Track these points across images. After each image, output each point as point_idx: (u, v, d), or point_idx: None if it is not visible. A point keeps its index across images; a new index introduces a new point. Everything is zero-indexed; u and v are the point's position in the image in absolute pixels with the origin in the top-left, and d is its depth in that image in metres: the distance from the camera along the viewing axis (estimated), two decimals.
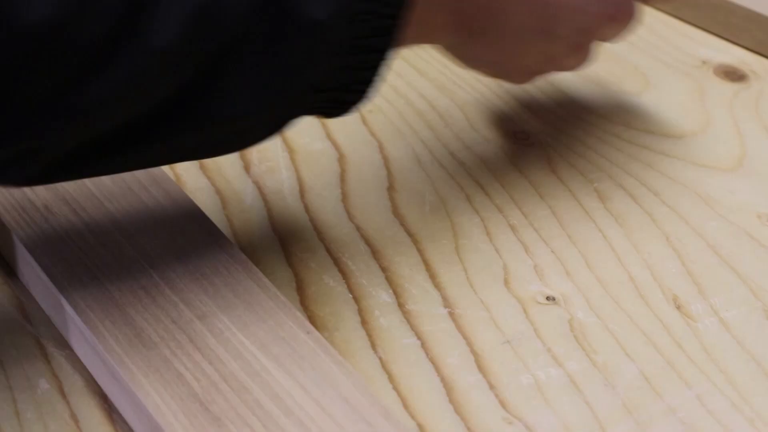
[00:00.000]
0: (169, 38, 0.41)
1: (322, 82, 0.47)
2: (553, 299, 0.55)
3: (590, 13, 0.56)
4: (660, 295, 0.55)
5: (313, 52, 0.45)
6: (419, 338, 0.52)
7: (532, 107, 0.68)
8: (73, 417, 0.48)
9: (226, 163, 0.63)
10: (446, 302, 0.54)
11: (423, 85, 0.71)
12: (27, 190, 0.55)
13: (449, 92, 0.69)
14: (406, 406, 0.49)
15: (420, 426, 0.48)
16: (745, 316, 0.54)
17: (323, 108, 0.49)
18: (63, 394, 0.49)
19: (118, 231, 0.53)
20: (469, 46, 0.55)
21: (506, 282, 0.56)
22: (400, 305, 0.54)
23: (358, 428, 0.45)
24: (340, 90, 0.48)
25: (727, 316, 0.54)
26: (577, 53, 0.58)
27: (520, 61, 0.57)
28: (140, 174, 0.56)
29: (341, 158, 0.64)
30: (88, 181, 0.55)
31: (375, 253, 0.57)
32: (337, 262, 0.56)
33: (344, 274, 0.55)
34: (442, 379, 0.50)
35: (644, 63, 0.72)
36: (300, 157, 0.63)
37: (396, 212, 0.59)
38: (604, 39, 0.59)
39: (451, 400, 0.50)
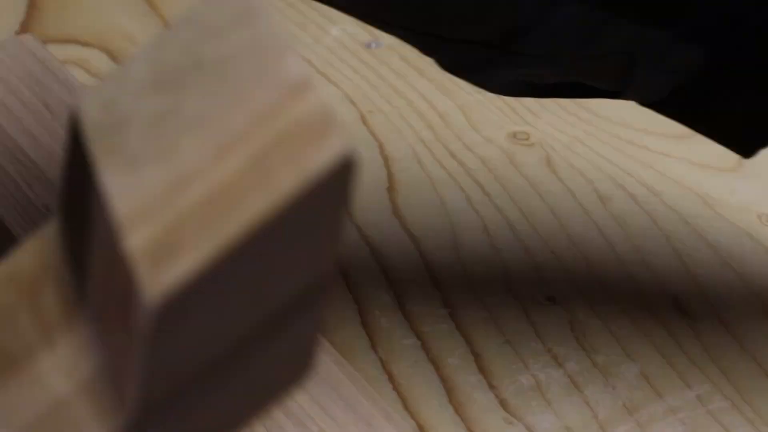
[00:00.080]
0: None
1: None
2: (553, 299, 0.55)
3: None
4: (660, 295, 0.55)
5: None
6: (419, 338, 0.52)
7: (532, 107, 0.68)
8: None
9: None
10: (446, 302, 0.54)
11: (423, 85, 0.71)
12: (27, 189, 0.55)
13: (449, 92, 0.69)
14: (406, 406, 0.49)
15: (420, 426, 0.48)
16: (745, 316, 0.54)
17: None
18: None
19: None
20: None
21: (506, 282, 0.55)
22: (401, 305, 0.54)
23: (358, 429, 0.45)
24: None
25: (727, 316, 0.54)
26: None
27: None
28: None
29: None
30: None
31: (375, 253, 0.57)
32: (336, 262, 0.56)
33: (344, 275, 0.55)
34: (442, 379, 0.50)
35: None
36: None
37: (396, 212, 0.59)
38: None
39: (451, 400, 0.50)
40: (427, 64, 0.73)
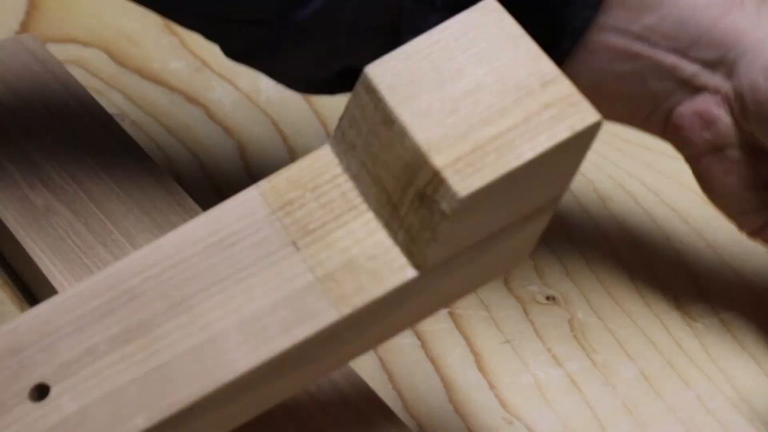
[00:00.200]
0: None
1: None
2: (553, 299, 0.55)
3: None
4: (660, 295, 0.55)
5: None
6: (419, 338, 0.52)
7: None
8: None
9: (227, 164, 0.63)
10: None
11: None
12: (27, 189, 0.55)
13: None
14: (406, 406, 0.49)
15: (420, 426, 0.48)
16: (745, 316, 0.54)
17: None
18: None
19: (118, 230, 0.53)
20: None
21: (506, 282, 0.56)
22: None
23: (359, 429, 0.45)
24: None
25: (727, 316, 0.54)
26: None
27: None
28: (140, 176, 0.56)
29: None
30: (89, 181, 0.55)
31: None
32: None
33: None
34: (442, 379, 0.50)
35: None
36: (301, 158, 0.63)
37: None
38: None
39: (451, 400, 0.50)
40: None
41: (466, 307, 0.54)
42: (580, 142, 0.39)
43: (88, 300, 0.41)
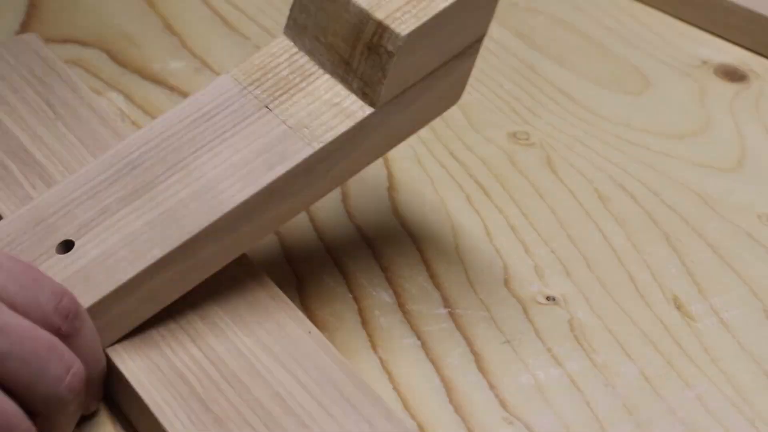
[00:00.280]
0: None
1: None
2: (553, 299, 0.55)
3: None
4: (660, 295, 0.55)
5: None
6: (419, 338, 0.52)
7: (532, 107, 0.68)
8: None
9: None
10: (446, 302, 0.54)
11: None
12: (29, 188, 0.55)
13: None
14: (406, 406, 0.49)
15: (420, 426, 0.49)
16: (745, 316, 0.54)
17: None
18: None
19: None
20: None
21: (506, 282, 0.56)
22: (401, 305, 0.54)
23: (359, 428, 0.45)
24: None
25: (727, 316, 0.54)
26: None
27: None
28: None
29: None
30: None
31: (375, 253, 0.57)
32: (337, 262, 0.56)
33: (344, 274, 0.55)
34: (442, 379, 0.50)
35: (644, 63, 0.72)
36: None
37: (396, 212, 0.60)
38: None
39: (451, 400, 0.50)
40: None
41: (466, 307, 0.54)
42: None
43: (95, 175, 0.50)
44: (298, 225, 0.58)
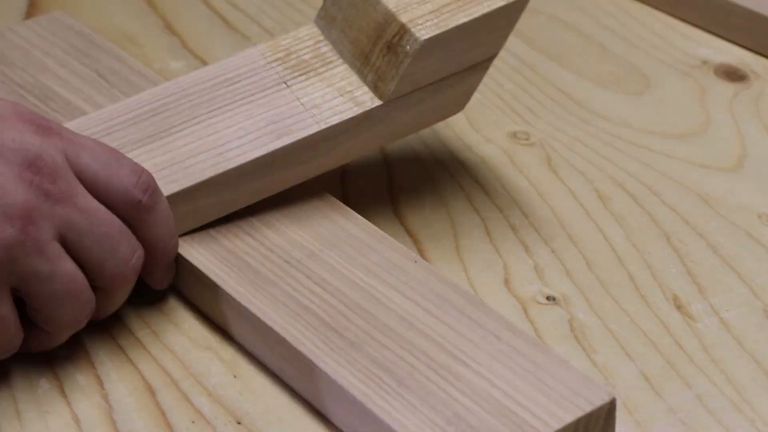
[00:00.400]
0: None
1: None
2: (553, 299, 0.55)
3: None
4: (660, 295, 0.55)
5: None
6: None
7: (532, 107, 0.68)
8: (74, 417, 0.48)
9: None
10: None
11: None
12: None
13: None
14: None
15: None
16: (745, 316, 0.54)
17: None
18: (64, 394, 0.49)
19: None
20: None
21: (506, 282, 0.56)
22: None
23: (488, 341, 0.47)
24: None
25: (727, 316, 0.54)
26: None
27: None
28: None
29: None
30: None
31: None
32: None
33: None
34: None
35: (644, 63, 0.72)
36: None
37: (396, 212, 0.60)
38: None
39: None
40: None
41: None
42: (513, 11, 0.54)
43: (115, 115, 0.53)
44: None
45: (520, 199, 0.61)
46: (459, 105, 0.56)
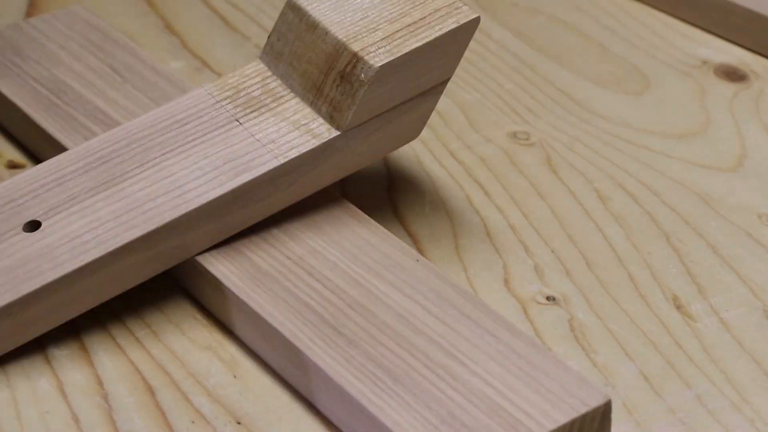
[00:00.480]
0: None
1: None
2: (553, 299, 0.55)
3: None
4: (660, 295, 0.55)
5: None
6: None
7: (532, 107, 0.68)
8: (74, 417, 0.48)
9: None
10: None
11: None
12: None
13: (449, 92, 0.69)
14: None
15: None
16: (745, 316, 0.54)
17: None
18: (64, 394, 0.49)
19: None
20: None
21: (506, 282, 0.56)
22: None
23: (485, 341, 0.47)
24: None
25: (727, 316, 0.54)
26: None
27: None
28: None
29: None
30: None
31: None
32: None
33: None
34: None
35: (644, 63, 0.72)
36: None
37: (396, 212, 0.60)
38: None
39: None
40: None
41: None
42: (464, 33, 0.53)
43: (65, 165, 0.53)
44: None
45: (520, 199, 0.61)
46: (416, 131, 0.56)
